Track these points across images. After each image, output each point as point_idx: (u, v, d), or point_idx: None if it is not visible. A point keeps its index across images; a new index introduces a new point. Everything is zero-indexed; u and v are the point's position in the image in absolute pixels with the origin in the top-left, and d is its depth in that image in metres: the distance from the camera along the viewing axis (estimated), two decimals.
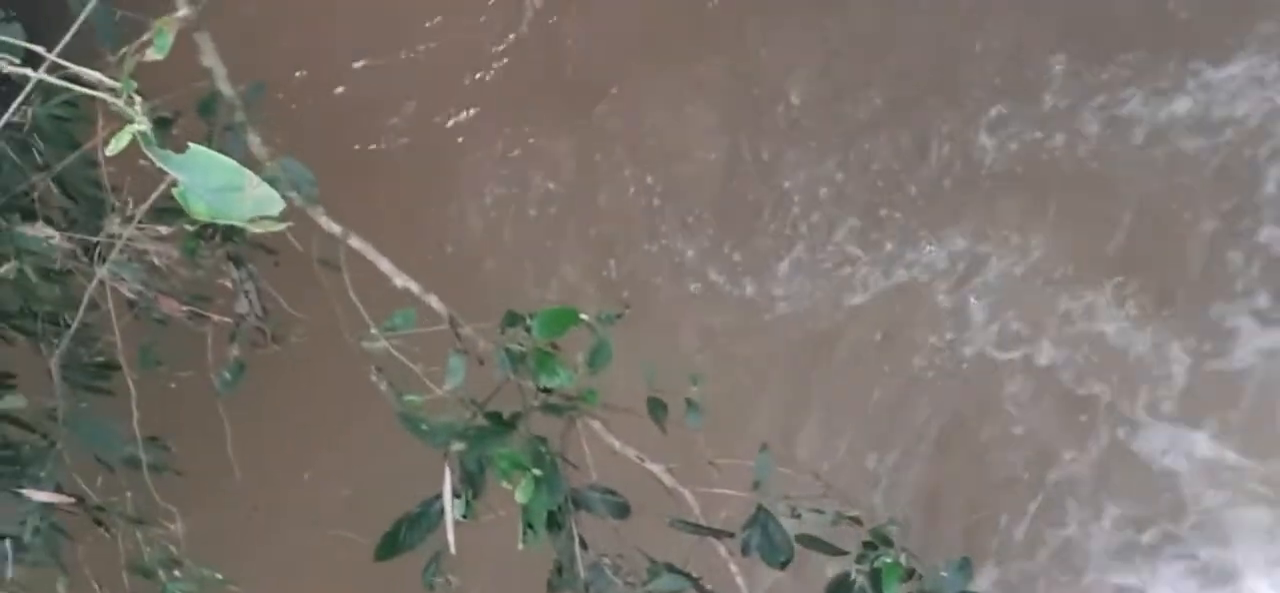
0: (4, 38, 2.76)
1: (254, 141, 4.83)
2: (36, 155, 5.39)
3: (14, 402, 5.43)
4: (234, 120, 4.84)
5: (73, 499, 5.14)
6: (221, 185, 2.33)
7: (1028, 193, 8.88)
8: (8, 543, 4.96)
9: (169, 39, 2.47)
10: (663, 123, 9.35)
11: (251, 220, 2.36)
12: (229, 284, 5.60)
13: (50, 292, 5.53)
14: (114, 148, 2.34)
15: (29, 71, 2.61)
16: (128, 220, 5.00)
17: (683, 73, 9.43)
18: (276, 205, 2.36)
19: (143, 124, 2.28)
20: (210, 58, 4.71)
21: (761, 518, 4.93)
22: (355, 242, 4.92)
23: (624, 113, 9.38)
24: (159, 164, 2.29)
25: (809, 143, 9.13)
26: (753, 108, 9.33)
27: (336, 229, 4.89)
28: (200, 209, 2.32)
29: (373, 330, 4.74)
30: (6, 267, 5.08)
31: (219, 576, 5.50)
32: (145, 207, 4.87)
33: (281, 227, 2.39)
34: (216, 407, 5.67)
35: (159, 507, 5.46)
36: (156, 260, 5.20)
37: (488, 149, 9.24)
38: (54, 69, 2.64)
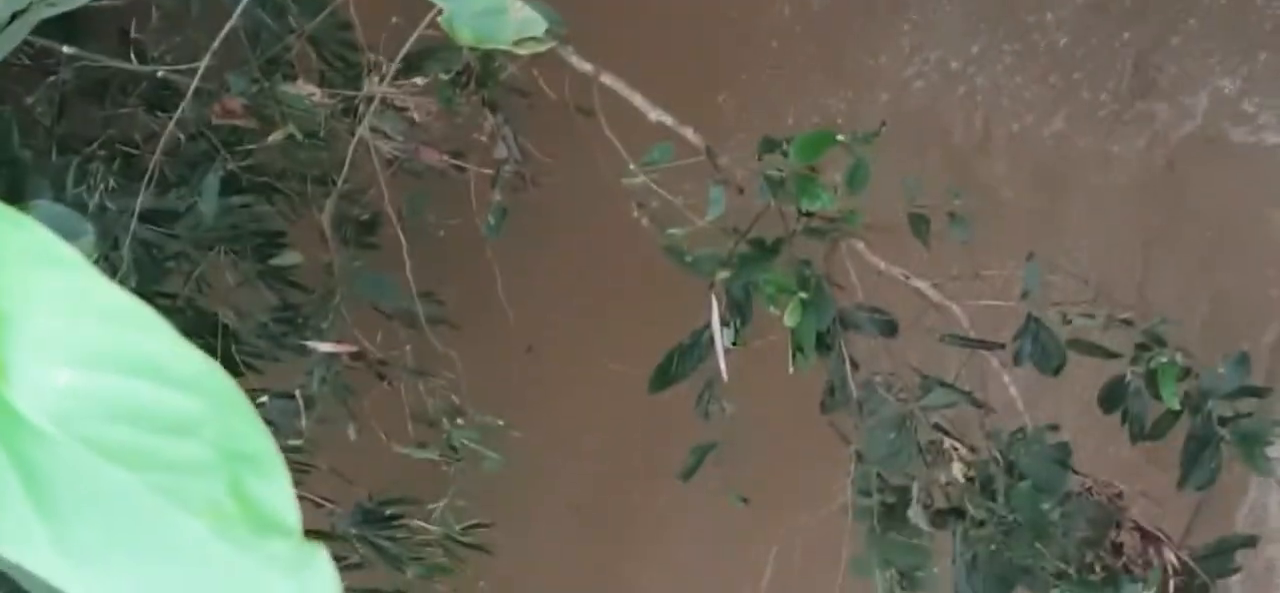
0: None
1: None
2: (290, 22, 5.54)
3: (290, 257, 5.63)
4: None
5: (355, 349, 5.31)
6: (484, 9, 2.33)
7: None
8: (299, 396, 5.15)
9: None
10: None
11: (516, 42, 2.36)
12: (484, 138, 5.67)
13: (312, 156, 5.69)
14: None
15: None
16: (383, 77, 5.09)
17: None
18: (540, 26, 2.35)
19: None
20: None
21: (1032, 326, 4.87)
22: (607, 79, 4.92)
23: None
24: None
25: None
26: None
27: (588, 67, 4.89)
28: (466, 34, 2.33)
29: (631, 166, 4.75)
30: (277, 133, 5.23)
31: (500, 422, 5.63)
32: (398, 59, 4.96)
33: (545, 46, 2.38)
34: (484, 252, 5.78)
35: (438, 356, 5.61)
36: (415, 115, 5.29)
37: None
38: None
